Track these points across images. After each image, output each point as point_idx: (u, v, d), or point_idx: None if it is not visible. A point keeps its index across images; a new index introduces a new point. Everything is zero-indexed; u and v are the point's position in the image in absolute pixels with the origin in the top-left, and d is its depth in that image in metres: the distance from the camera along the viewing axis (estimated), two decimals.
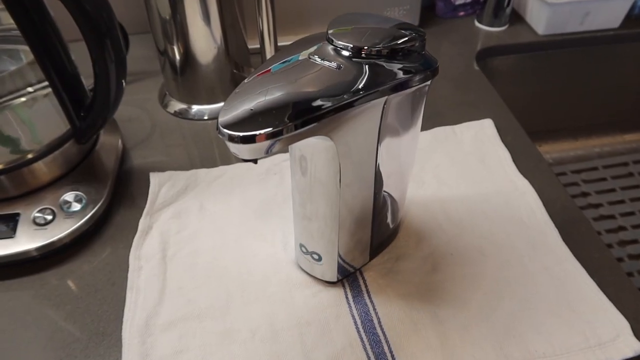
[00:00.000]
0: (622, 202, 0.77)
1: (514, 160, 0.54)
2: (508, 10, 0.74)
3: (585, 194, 0.78)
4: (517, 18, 0.78)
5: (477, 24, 0.77)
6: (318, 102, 0.28)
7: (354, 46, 0.31)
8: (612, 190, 0.79)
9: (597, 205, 0.76)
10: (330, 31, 0.33)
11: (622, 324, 0.39)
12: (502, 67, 0.76)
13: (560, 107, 0.84)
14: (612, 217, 0.75)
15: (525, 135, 0.58)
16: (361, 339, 0.39)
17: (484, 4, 0.75)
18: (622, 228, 0.74)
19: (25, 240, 0.44)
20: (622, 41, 0.77)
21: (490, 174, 0.52)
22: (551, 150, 0.85)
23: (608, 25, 0.75)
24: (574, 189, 0.79)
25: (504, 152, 0.55)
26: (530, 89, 0.81)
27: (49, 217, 0.46)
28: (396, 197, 0.42)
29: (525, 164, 0.54)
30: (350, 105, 0.28)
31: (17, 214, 0.46)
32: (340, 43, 0.31)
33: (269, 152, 0.28)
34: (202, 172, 0.53)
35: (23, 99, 0.47)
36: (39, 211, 0.46)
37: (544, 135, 0.85)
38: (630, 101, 0.86)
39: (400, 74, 0.31)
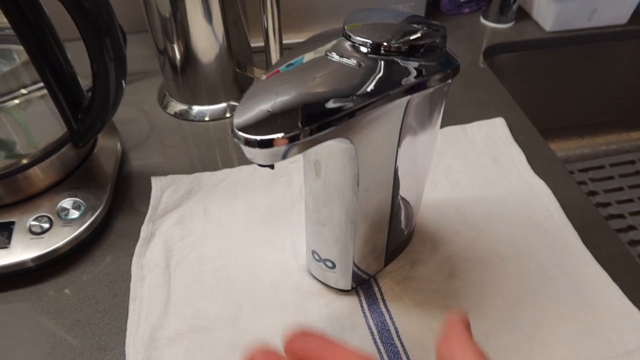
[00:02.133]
0: (630, 200, 0.76)
1: (528, 160, 0.52)
2: (514, 6, 0.72)
3: (593, 193, 0.77)
4: (523, 15, 0.76)
5: (482, 20, 0.76)
6: (341, 103, 0.26)
7: (373, 42, 0.29)
8: (620, 188, 0.77)
9: (606, 205, 0.75)
10: (347, 26, 0.31)
11: None
12: (508, 65, 0.74)
13: (566, 104, 0.82)
14: (621, 216, 0.74)
15: (538, 134, 0.56)
16: (379, 350, 0.37)
17: (489, 1, 0.73)
18: (631, 227, 0.72)
19: (21, 250, 0.42)
20: (630, 37, 0.76)
21: (504, 175, 0.51)
22: (558, 148, 0.84)
23: (616, 21, 0.74)
24: (582, 187, 0.77)
25: (518, 151, 0.53)
26: (536, 86, 0.79)
27: (46, 226, 0.43)
28: (412, 201, 0.40)
29: (539, 163, 0.52)
30: (374, 105, 0.27)
31: (12, 223, 0.43)
32: (359, 39, 0.30)
33: (285, 157, 0.26)
34: (206, 175, 0.51)
35: (16, 101, 0.44)
36: (35, 219, 0.44)
37: (550, 132, 0.84)
38: (636, 98, 0.85)
39: (423, 72, 0.29)
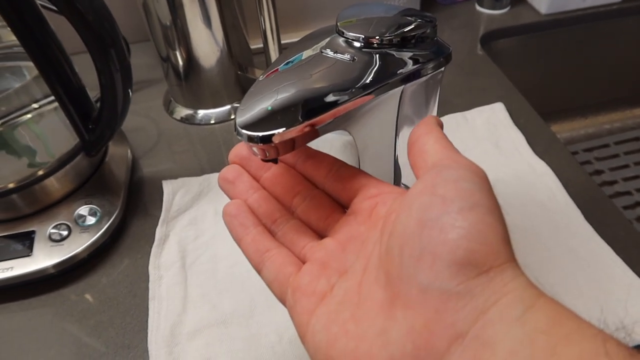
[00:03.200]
0: (636, 177, 0.76)
1: (529, 143, 0.53)
2: None
3: (599, 172, 0.77)
4: None
5: (478, 8, 0.76)
6: (336, 97, 0.27)
7: (365, 36, 0.30)
8: (626, 166, 0.78)
9: (612, 183, 0.75)
10: (339, 23, 0.32)
11: None
12: (506, 50, 0.75)
13: (567, 85, 0.83)
14: (628, 193, 0.74)
15: (538, 117, 0.57)
16: None
17: None
18: (639, 204, 0.73)
19: (43, 258, 0.44)
20: (626, 15, 0.76)
21: (506, 159, 0.51)
22: (561, 130, 0.85)
23: None
24: (587, 167, 0.78)
25: (518, 135, 0.54)
26: (536, 70, 0.80)
27: (65, 233, 0.45)
28: None
29: (541, 145, 0.53)
30: (368, 96, 0.28)
31: (33, 232, 0.45)
32: (351, 34, 0.31)
33: (287, 151, 0.27)
34: (215, 176, 0.52)
35: (29, 115, 0.46)
36: (54, 227, 0.45)
37: (553, 115, 0.84)
38: (637, 75, 0.85)
39: (415, 62, 0.30)
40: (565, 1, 0.72)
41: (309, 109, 0.26)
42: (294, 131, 0.26)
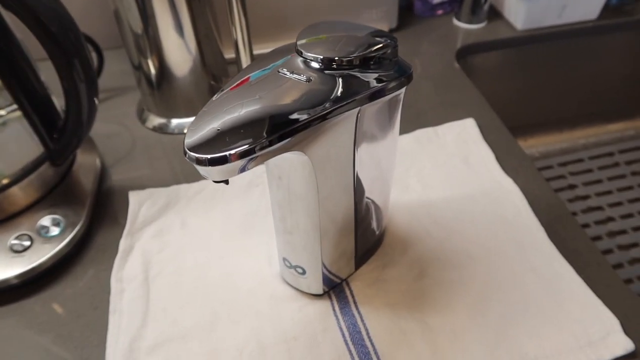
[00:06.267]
0: (609, 192, 0.77)
1: (498, 159, 0.53)
2: (486, 6, 0.74)
3: (572, 187, 0.78)
4: (495, 14, 0.78)
5: (455, 22, 0.77)
6: (287, 118, 0.27)
7: (324, 57, 0.30)
8: (599, 181, 0.79)
9: (585, 197, 0.76)
10: (299, 42, 0.32)
11: (611, 322, 0.39)
12: (482, 65, 0.75)
13: (543, 100, 0.84)
14: (600, 208, 0.75)
15: (508, 133, 0.57)
16: (350, 352, 0.38)
17: (461, 2, 0.75)
18: (610, 219, 0.74)
19: (3, 269, 0.43)
20: (601, 32, 0.77)
21: (474, 175, 0.52)
22: (537, 144, 0.85)
23: (586, 17, 0.75)
24: (561, 182, 0.78)
25: (488, 151, 0.54)
26: (513, 84, 0.80)
27: (27, 243, 0.45)
28: (379, 204, 0.41)
29: (509, 162, 0.53)
30: (321, 118, 0.28)
31: None
32: (310, 55, 0.31)
33: (241, 172, 0.27)
34: (183, 187, 0.52)
35: None
36: (16, 238, 0.45)
37: (529, 129, 0.85)
38: (613, 91, 0.86)
39: (374, 83, 0.30)
40: (541, 17, 0.73)
41: (259, 131, 0.26)
42: (244, 153, 0.26)
